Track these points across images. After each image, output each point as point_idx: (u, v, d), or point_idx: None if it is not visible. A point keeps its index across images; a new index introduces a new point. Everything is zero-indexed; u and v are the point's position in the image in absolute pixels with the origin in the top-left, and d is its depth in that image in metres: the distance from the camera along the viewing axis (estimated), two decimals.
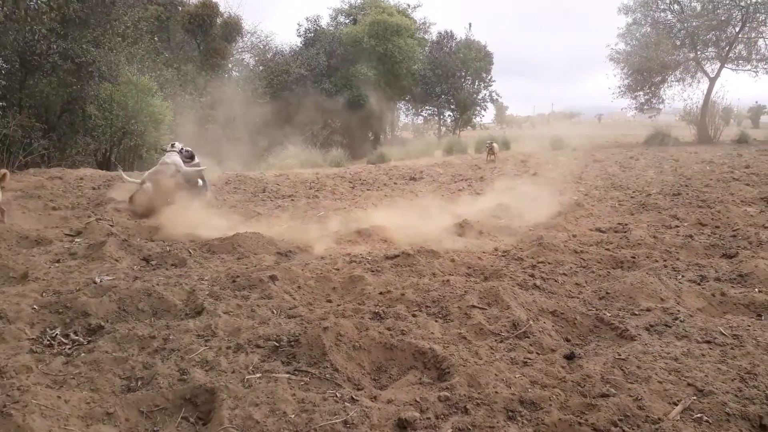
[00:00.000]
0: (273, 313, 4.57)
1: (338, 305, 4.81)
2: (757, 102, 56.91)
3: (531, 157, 20.56)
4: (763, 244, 6.83)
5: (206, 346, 3.91)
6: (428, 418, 3.11)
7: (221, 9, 28.36)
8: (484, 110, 42.58)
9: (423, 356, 3.83)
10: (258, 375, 3.53)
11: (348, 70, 33.47)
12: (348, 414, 3.14)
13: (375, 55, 33.84)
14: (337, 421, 3.07)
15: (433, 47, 39.38)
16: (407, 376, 3.66)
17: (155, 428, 3.08)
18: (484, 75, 39.84)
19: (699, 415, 3.13)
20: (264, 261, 6.07)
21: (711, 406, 3.19)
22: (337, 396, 3.35)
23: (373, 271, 5.75)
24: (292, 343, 3.90)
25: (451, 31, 39.90)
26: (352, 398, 3.33)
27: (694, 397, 3.29)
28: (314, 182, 12.99)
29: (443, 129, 41.31)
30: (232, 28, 28.98)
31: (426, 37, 40.61)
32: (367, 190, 12.25)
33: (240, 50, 32.87)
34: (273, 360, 3.75)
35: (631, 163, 17.04)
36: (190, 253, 6.48)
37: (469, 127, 43.35)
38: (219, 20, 28.24)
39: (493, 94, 41.04)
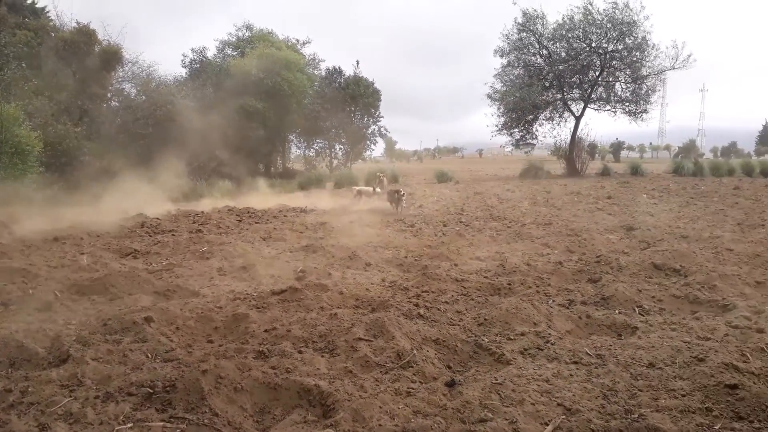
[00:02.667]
0: (148, 357, 4.30)
1: (220, 345, 4.63)
2: (617, 138, 63.60)
3: (417, 189, 21.23)
4: (623, 268, 7.50)
5: (71, 396, 3.59)
6: None
7: (99, 36, 26.92)
8: (374, 144, 43.60)
9: (308, 393, 3.78)
10: (129, 425, 3.30)
11: (236, 103, 32.91)
12: None
13: (264, 88, 33.60)
14: None
15: (322, 82, 39.86)
16: (291, 416, 3.58)
17: None
18: (373, 111, 40.85)
19: None
20: (139, 301, 5.72)
21: (578, 423, 3.42)
22: None
23: (258, 308, 5.61)
24: (168, 388, 3.69)
25: (339, 68, 40.71)
26: None
27: (563, 416, 3.51)
28: (198, 216, 12.51)
29: (335, 162, 41.67)
30: (111, 56, 27.54)
31: (315, 72, 41.09)
32: (256, 223, 11.99)
33: (120, 80, 31.28)
34: (146, 408, 3.52)
35: (508, 195, 18.12)
36: (56, 295, 5.97)
37: (360, 160, 44.09)
38: (97, 48, 26.75)
39: (382, 129, 42.22)
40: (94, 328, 4.88)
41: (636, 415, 3.49)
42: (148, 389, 3.69)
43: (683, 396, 3.76)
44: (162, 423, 3.35)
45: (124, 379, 3.82)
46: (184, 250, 8.78)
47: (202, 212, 13.23)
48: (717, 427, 3.37)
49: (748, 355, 4.34)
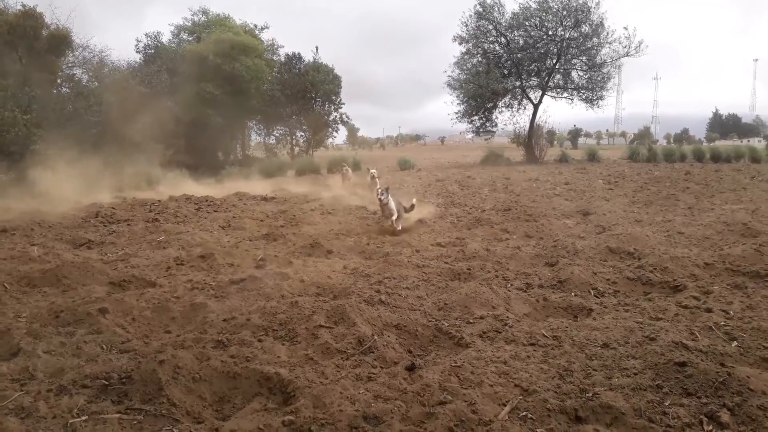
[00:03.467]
0: (102, 349, 4.20)
1: (177, 336, 4.56)
2: (575, 126, 64.91)
3: (380, 177, 21.25)
4: (578, 252, 7.69)
5: (22, 390, 3.49)
6: None
7: (47, 20, 25.84)
8: (336, 131, 43.35)
9: (268, 381, 3.76)
10: (83, 418, 3.22)
11: (193, 89, 32.18)
12: None
13: (221, 73, 32.96)
14: None
15: (281, 68, 39.32)
16: (252, 404, 3.56)
17: None
18: (334, 97, 40.54)
19: (524, 413, 3.42)
20: (93, 292, 5.55)
21: (535, 404, 3.50)
22: None
23: (217, 297, 5.54)
24: (124, 380, 3.61)
25: (299, 53, 40.20)
26: None
27: (521, 397, 3.59)
28: (155, 205, 12.22)
29: (296, 149, 41.28)
30: (61, 41, 26.50)
31: (274, 58, 40.46)
32: (215, 211, 11.79)
33: (70, 65, 30.15)
34: (102, 400, 3.44)
35: (469, 182, 18.32)
36: (5, 287, 5.75)
37: (322, 148, 43.79)
38: (45, 32, 25.68)
39: (344, 116, 41.97)
40: (46, 320, 4.73)
41: (590, 394, 3.59)
42: (103, 381, 3.61)
43: (635, 374, 3.89)
44: (118, 415, 3.29)
45: (78, 372, 3.72)
46: (140, 239, 8.58)
47: (159, 201, 12.94)
48: (667, 403, 3.50)
49: (697, 334, 4.52)
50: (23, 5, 25.20)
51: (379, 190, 9.38)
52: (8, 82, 22.25)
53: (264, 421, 3.27)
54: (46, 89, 25.27)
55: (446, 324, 4.94)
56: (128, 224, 9.76)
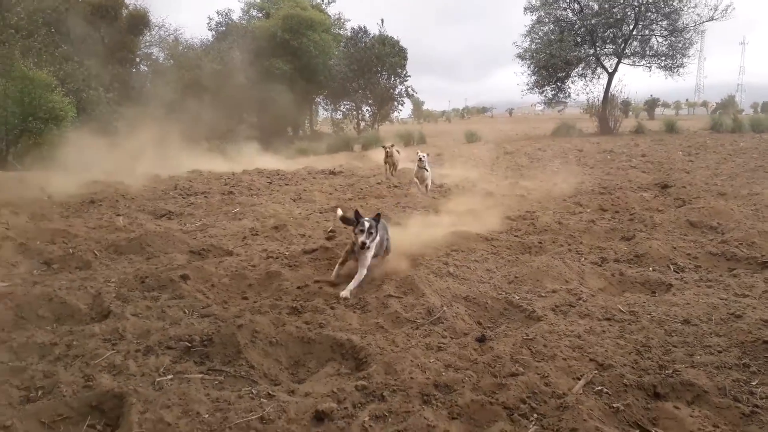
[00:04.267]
0: (185, 313, 4.43)
1: (254, 302, 4.74)
2: (651, 95, 61.47)
3: (446, 150, 21.05)
4: (657, 226, 7.36)
5: (113, 350, 3.73)
6: (345, 408, 3.13)
7: (126, 0, 26.99)
8: (401, 105, 43.10)
9: (341, 348, 3.85)
10: (169, 377, 3.42)
11: (262, 65, 32.81)
12: (264, 410, 3.10)
13: (289, 49, 33.39)
14: (252, 417, 3.03)
15: (348, 43, 39.33)
16: (325, 369, 3.67)
17: None
18: (399, 70, 40.21)
19: (600, 387, 3.34)
20: (175, 260, 5.85)
21: (611, 378, 3.42)
22: (252, 393, 3.31)
23: (290, 266, 5.70)
24: (206, 342, 3.80)
25: (365, 27, 40.02)
26: (269, 394, 3.30)
27: (596, 372, 3.51)
28: (230, 178, 12.65)
29: (362, 124, 41.45)
30: (139, 20, 27.63)
31: (341, 32, 40.54)
32: (285, 185, 12.07)
33: (148, 44, 31.43)
34: (185, 361, 3.64)
35: (539, 155, 17.83)
36: (95, 254, 6.15)
37: (387, 122, 43.75)
38: (124, 12, 26.86)
39: (409, 89, 41.59)
40: (133, 285, 5.03)
41: (670, 371, 3.46)
42: (186, 343, 3.81)
43: (719, 352, 3.72)
44: (201, 375, 3.47)
45: (163, 334, 3.94)
46: (217, 211, 8.92)
47: (233, 174, 13.37)
48: (755, 383, 3.33)
49: None
50: None
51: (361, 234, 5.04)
52: (92, 61, 23.43)
53: (337, 385, 3.36)
54: (126, 67, 26.49)
55: (517, 297, 4.88)
56: (205, 196, 10.17)
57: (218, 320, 4.21)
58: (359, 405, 3.20)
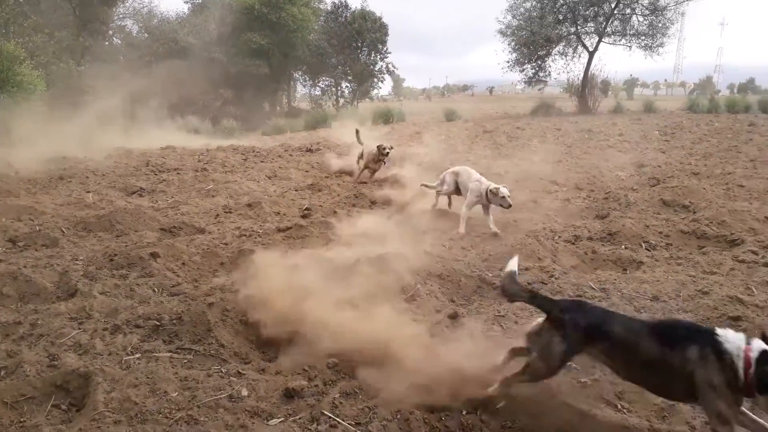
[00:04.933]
0: (154, 291, 4.36)
1: (226, 280, 4.67)
2: (631, 75, 61.96)
3: (425, 128, 20.93)
4: (630, 205, 7.43)
5: (80, 329, 3.66)
6: (316, 386, 3.12)
7: None
8: (382, 82, 42.69)
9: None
10: (137, 356, 3.37)
11: (239, 39, 32.12)
12: (233, 388, 3.08)
13: (267, 23, 32.67)
14: (221, 396, 3.00)
15: (328, 17, 38.71)
16: (296, 347, 3.64)
17: (21, 419, 2.86)
18: (380, 46, 39.78)
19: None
20: (145, 238, 5.74)
21: None
22: (222, 371, 3.28)
23: (264, 245, 5.63)
24: (175, 321, 3.74)
25: (345, 1, 39.37)
26: (239, 372, 3.27)
27: None
28: (203, 154, 12.44)
29: (341, 100, 41.00)
30: None
31: (321, 6, 39.83)
32: (261, 162, 11.90)
33: (121, 16, 30.55)
34: (154, 339, 3.59)
35: (518, 134, 17.81)
36: (63, 231, 6.01)
37: (367, 99, 43.33)
38: None
39: (390, 65, 41.23)
40: (101, 263, 4.93)
41: None
42: (155, 322, 3.75)
43: None
44: (169, 354, 3.42)
45: (132, 312, 3.88)
46: (190, 188, 8.77)
47: (207, 151, 13.15)
48: None
49: (753, 289, 4.34)
50: None
51: None
52: (63, 33, 22.75)
53: (308, 362, 3.34)
54: (98, 41, 25.76)
55: (490, 275, 4.90)
56: (178, 173, 9.97)
57: (188, 299, 4.16)
58: (330, 382, 3.19)
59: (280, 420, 2.85)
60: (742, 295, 4.12)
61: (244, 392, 3.05)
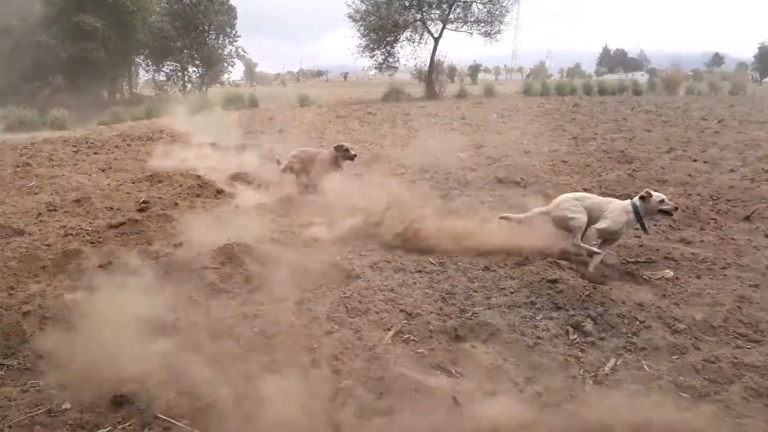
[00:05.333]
0: None
1: (48, 285, 4.23)
2: (474, 61, 65.80)
3: (278, 114, 20.60)
4: (469, 183, 7.92)
5: None
6: (148, 391, 2.95)
7: None
8: (232, 66, 41.12)
9: (147, 325, 3.60)
10: None
11: (70, 21, 29.05)
12: (53, 402, 2.82)
13: (101, 3, 29.92)
14: (39, 412, 2.74)
15: None
16: None
17: None
18: (228, 30, 38.25)
19: (407, 336, 3.54)
20: None
21: (418, 326, 3.64)
22: (40, 385, 2.99)
23: (93, 243, 5.18)
24: None
25: None
26: (60, 384, 2.99)
27: (405, 321, 3.70)
28: (27, 148, 11.15)
29: (189, 86, 38.87)
30: None
31: None
32: (95, 153, 10.92)
33: None
34: None
35: (370, 118, 18.17)
36: None
37: (217, 84, 41.53)
38: None
39: (240, 49, 39.80)
40: None
41: (470, 314, 3.77)
42: None
43: (512, 293, 4.13)
44: None
45: None
46: (8, 186, 7.81)
47: (32, 144, 11.82)
48: (539, 318, 3.75)
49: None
50: None
51: None
52: None
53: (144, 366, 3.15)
54: None
55: (338, 258, 4.96)
56: None
57: (1, 308, 3.71)
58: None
59: (107, 429, 2.66)
60: (560, 260, 4.59)
61: (66, 405, 2.80)
